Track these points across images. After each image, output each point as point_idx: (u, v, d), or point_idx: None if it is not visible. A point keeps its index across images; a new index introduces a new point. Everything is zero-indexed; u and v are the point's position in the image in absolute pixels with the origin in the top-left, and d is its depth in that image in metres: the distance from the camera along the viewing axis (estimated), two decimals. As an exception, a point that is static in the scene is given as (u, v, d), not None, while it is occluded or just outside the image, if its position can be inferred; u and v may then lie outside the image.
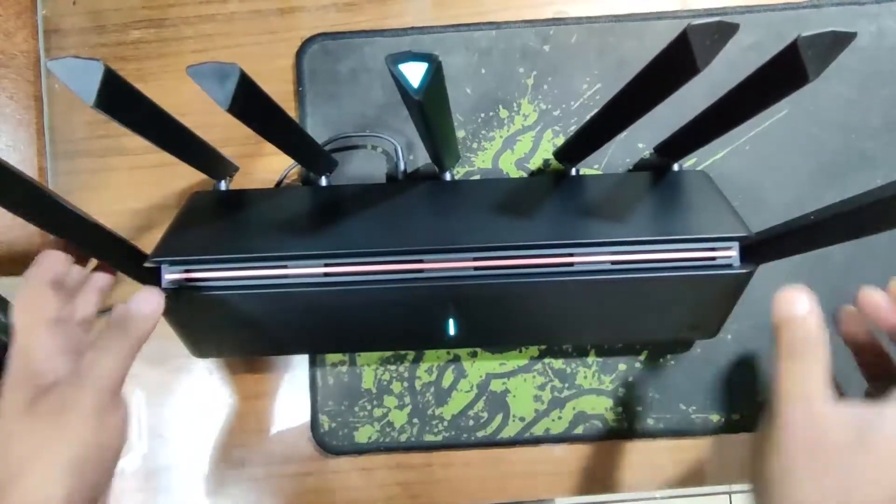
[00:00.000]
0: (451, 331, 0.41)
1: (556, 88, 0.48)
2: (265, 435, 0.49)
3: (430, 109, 0.30)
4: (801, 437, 0.29)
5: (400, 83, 0.27)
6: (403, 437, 0.47)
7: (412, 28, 0.49)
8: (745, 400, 0.47)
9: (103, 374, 0.31)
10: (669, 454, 0.48)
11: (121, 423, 0.32)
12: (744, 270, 0.37)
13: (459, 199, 0.43)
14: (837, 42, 0.27)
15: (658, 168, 0.44)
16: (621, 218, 0.39)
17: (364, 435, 0.47)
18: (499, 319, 0.41)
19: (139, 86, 0.49)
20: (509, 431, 0.47)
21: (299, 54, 0.49)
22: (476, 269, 0.38)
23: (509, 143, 0.48)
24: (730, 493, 1.22)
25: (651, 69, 0.30)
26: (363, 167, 0.48)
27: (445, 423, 0.47)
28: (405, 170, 0.47)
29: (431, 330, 0.41)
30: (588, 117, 0.38)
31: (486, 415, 0.47)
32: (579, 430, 0.47)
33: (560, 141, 0.48)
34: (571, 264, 0.37)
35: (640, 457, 0.48)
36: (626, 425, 0.47)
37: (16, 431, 0.30)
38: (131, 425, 0.36)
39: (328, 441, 0.47)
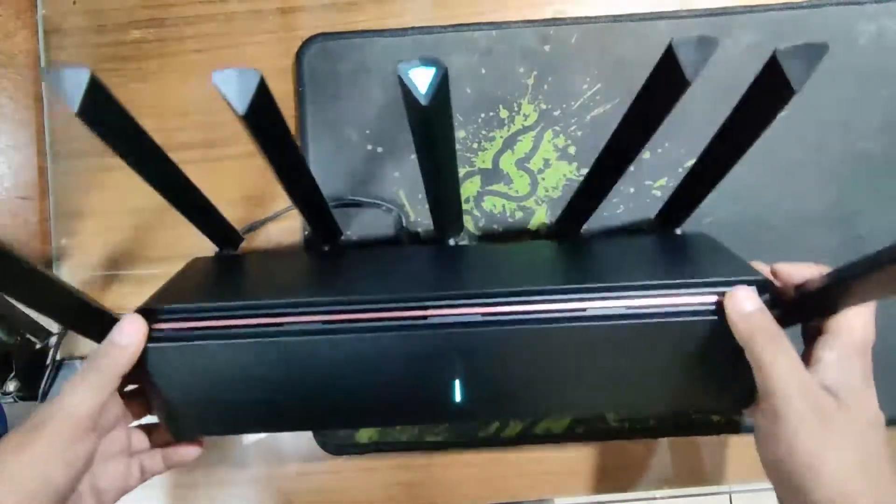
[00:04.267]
0: (458, 397, 0.36)
1: (556, 88, 0.48)
2: (265, 435, 0.49)
3: (433, 121, 0.29)
4: (810, 424, 0.31)
5: (407, 90, 0.27)
6: (404, 437, 0.47)
7: (412, 28, 0.49)
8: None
9: (74, 402, 0.32)
10: (669, 454, 0.48)
11: (84, 456, 0.32)
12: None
13: (464, 257, 0.42)
14: (813, 52, 0.28)
15: (660, 231, 0.45)
16: (632, 269, 0.38)
17: (365, 435, 0.47)
18: (509, 380, 0.36)
19: (139, 86, 0.50)
20: (510, 432, 0.47)
21: (299, 54, 0.49)
22: (483, 315, 0.35)
23: (510, 143, 0.48)
24: (730, 493, 1.22)
25: (645, 89, 0.30)
26: (367, 227, 0.48)
27: (446, 423, 0.47)
28: (408, 230, 0.48)
29: (436, 396, 0.36)
30: (589, 170, 0.38)
31: (486, 415, 0.47)
32: (580, 431, 0.47)
33: (561, 141, 0.48)
34: (584, 310, 0.34)
35: (640, 457, 0.48)
36: (626, 425, 0.47)
37: None
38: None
39: (329, 441, 0.47)
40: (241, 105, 0.28)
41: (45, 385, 0.47)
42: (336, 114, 0.48)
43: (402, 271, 0.40)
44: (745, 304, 0.33)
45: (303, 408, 0.37)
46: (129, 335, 0.33)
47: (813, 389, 0.31)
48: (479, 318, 0.35)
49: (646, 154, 0.47)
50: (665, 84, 0.29)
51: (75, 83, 0.28)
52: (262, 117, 0.30)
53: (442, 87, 0.27)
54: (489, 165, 0.48)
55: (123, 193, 0.49)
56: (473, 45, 0.48)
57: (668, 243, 0.43)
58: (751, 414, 0.35)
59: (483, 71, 0.48)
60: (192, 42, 0.50)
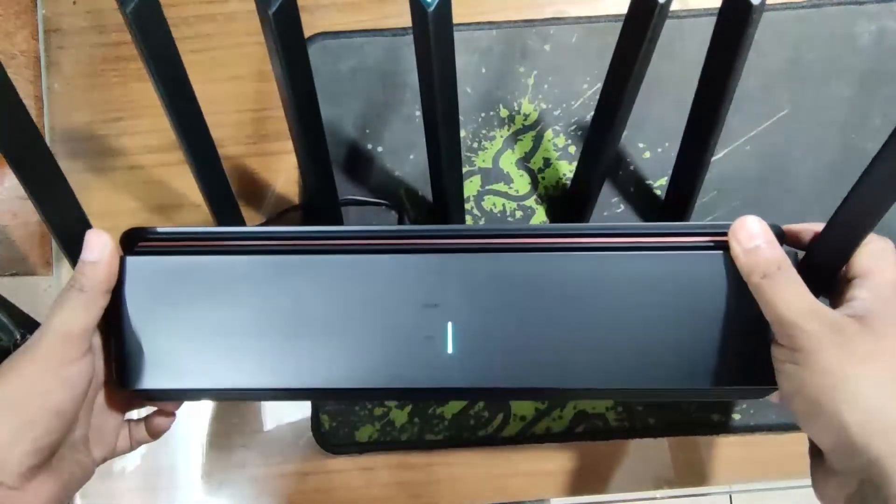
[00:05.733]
0: (450, 346, 0.32)
1: (557, 88, 0.48)
2: (265, 434, 0.49)
3: (439, 36, 0.30)
4: (830, 343, 0.29)
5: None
6: (404, 437, 0.47)
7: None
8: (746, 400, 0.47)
9: (56, 321, 0.31)
10: (670, 454, 0.48)
11: (78, 376, 0.31)
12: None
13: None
14: None
15: None
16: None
17: (364, 434, 0.47)
18: (505, 325, 0.32)
19: (139, 86, 0.50)
20: (510, 431, 0.47)
21: (299, 54, 0.49)
22: (482, 243, 0.32)
23: (510, 143, 0.48)
24: (730, 493, 1.22)
25: (626, 23, 0.31)
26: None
27: (446, 423, 0.47)
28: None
29: (428, 339, 0.32)
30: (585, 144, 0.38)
31: (486, 414, 0.47)
32: (580, 430, 0.47)
33: (561, 141, 0.48)
34: (588, 243, 0.32)
35: (641, 457, 0.48)
36: (626, 425, 0.47)
37: None
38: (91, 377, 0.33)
39: (329, 440, 0.47)
40: (273, 3, 0.28)
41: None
42: (336, 113, 0.48)
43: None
44: (749, 239, 0.31)
45: (282, 356, 0.33)
46: (95, 249, 0.32)
47: (830, 313, 0.29)
48: (475, 245, 0.32)
49: (646, 154, 0.47)
50: (640, 13, 0.29)
51: None
52: (288, 22, 0.30)
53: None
54: (489, 165, 0.48)
55: (123, 193, 0.49)
56: (474, 44, 0.48)
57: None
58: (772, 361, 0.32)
59: (483, 70, 0.48)
60: (192, 42, 0.50)
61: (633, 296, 0.32)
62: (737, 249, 0.31)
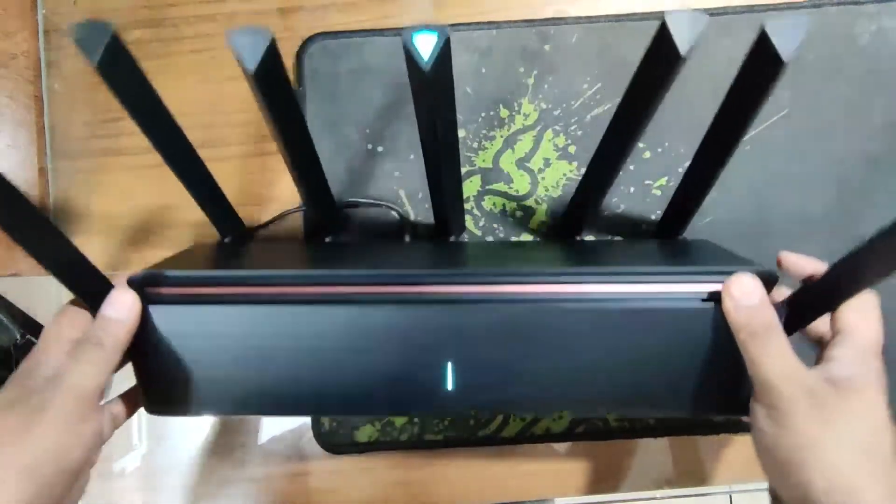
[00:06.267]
0: (450, 384, 0.35)
1: (557, 88, 0.48)
2: (265, 434, 0.49)
3: (436, 88, 0.29)
4: (806, 408, 0.30)
5: (411, 56, 0.27)
6: (404, 437, 0.47)
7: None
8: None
9: (75, 381, 0.31)
10: (669, 454, 0.48)
11: (92, 434, 0.32)
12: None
13: (465, 249, 0.42)
14: (800, 23, 0.28)
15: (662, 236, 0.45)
16: (632, 259, 0.37)
17: (364, 434, 0.47)
18: (501, 365, 0.35)
19: (139, 85, 0.50)
20: (510, 431, 0.47)
21: (299, 54, 0.49)
22: (480, 293, 0.34)
23: (510, 143, 0.48)
24: (730, 493, 1.22)
25: (641, 68, 0.30)
26: (367, 226, 0.48)
27: (446, 423, 0.47)
28: (411, 223, 0.48)
29: (428, 376, 0.35)
30: (590, 162, 0.38)
31: (486, 414, 0.47)
32: (580, 430, 0.47)
33: (561, 140, 0.48)
34: (582, 292, 0.34)
35: (640, 457, 0.48)
36: (626, 425, 0.47)
37: None
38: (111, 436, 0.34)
39: (329, 440, 0.47)
40: (252, 62, 0.28)
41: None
42: (336, 113, 0.48)
43: (401, 255, 0.40)
44: (742, 297, 0.31)
45: (290, 386, 0.36)
46: (120, 309, 0.32)
47: (810, 377, 0.30)
48: (475, 296, 0.34)
49: (646, 153, 0.47)
50: (659, 60, 0.29)
51: (97, 36, 0.29)
52: (270, 77, 0.30)
53: (444, 52, 0.27)
54: (489, 165, 0.48)
55: (123, 193, 0.49)
56: (474, 44, 0.48)
57: (669, 245, 0.43)
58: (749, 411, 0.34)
59: (483, 70, 0.48)
60: (192, 42, 0.50)
61: (623, 340, 0.34)
62: (728, 304, 0.32)
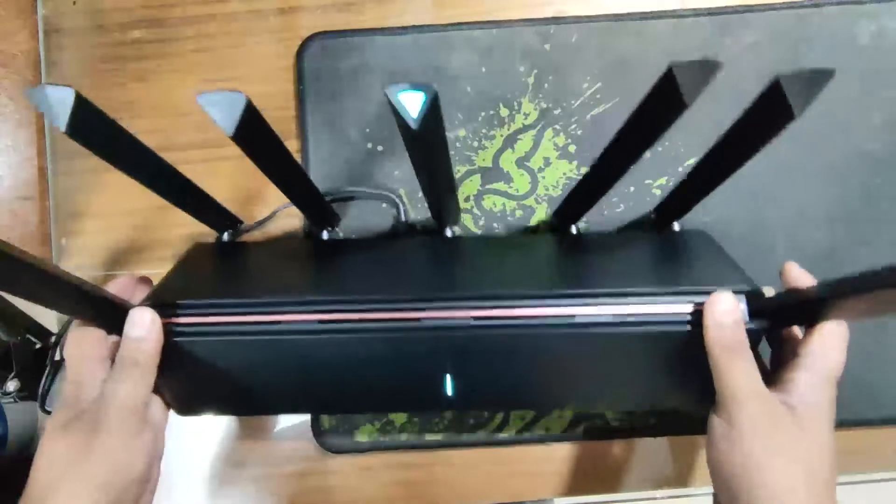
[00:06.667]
0: (449, 391, 0.38)
1: (557, 87, 0.48)
2: (266, 434, 0.49)
3: (425, 142, 0.30)
4: (761, 428, 0.32)
5: (398, 113, 0.27)
6: (404, 436, 0.47)
7: (412, 27, 0.49)
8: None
9: (120, 397, 0.33)
10: (669, 454, 0.48)
11: (146, 445, 0.34)
12: (752, 327, 0.34)
13: (459, 253, 0.43)
14: (816, 79, 0.28)
15: (658, 227, 0.45)
16: (623, 272, 0.38)
17: (364, 433, 0.47)
18: (498, 379, 0.38)
19: (139, 85, 0.50)
20: (510, 430, 0.47)
21: (299, 53, 0.49)
22: (475, 319, 0.36)
23: (510, 142, 0.48)
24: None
25: (642, 109, 0.30)
26: (365, 217, 0.48)
27: (446, 422, 0.47)
28: (406, 222, 0.48)
29: (428, 389, 0.38)
30: (584, 174, 0.38)
31: (486, 413, 0.47)
32: (580, 430, 0.47)
33: (561, 140, 0.48)
34: (573, 316, 0.35)
35: (641, 456, 0.48)
36: (626, 425, 0.47)
37: (51, 450, 0.33)
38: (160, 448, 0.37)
39: (328, 440, 0.47)
40: (230, 127, 0.29)
41: (45, 385, 0.47)
42: (336, 113, 0.48)
43: (397, 268, 0.41)
44: (720, 315, 0.33)
45: (300, 395, 0.40)
46: (143, 327, 0.34)
47: (769, 399, 0.32)
48: (470, 322, 0.36)
49: (646, 153, 0.47)
50: (662, 105, 0.29)
51: (61, 102, 0.29)
52: (251, 134, 0.31)
53: (432, 110, 0.27)
54: (489, 164, 0.48)
55: (123, 193, 0.49)
56: (474, 43, 0.48)
57: (662, 242, 0.43)
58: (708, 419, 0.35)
59: (483, 70, 0.48)
60: (192, 42, 0.50)
61: (608, 358, 0.37)
62: (707, 321, 0.33)
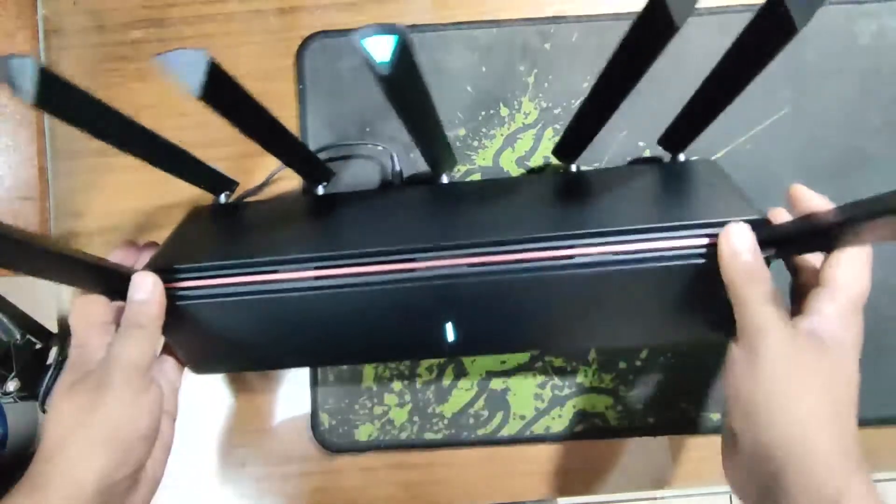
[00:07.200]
0: (450, 337, 0.38)
1: (557, 86, 0.48)
2: (265, 433, 0.49)
3: (401, 87, 0.29)
4: (786, 357, 0.31)
5: (367, 60, 0.26)
6: (404, 435, 0.47)
7: (413, 26, 0.49)
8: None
9: (125, 357, 0.34)
10: (669, 454, 0.48)
11: (151, 403, 0.35)
12: (768, 255, 0.33)
13: (455, 199, 0.42)
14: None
15: (662, 161, 0.44)
16: (624, 209, 0.37)
17: (364, 433, 0.47)
18: (498, 323, 0.38)
19: (139, 85, 0.50)
20: (510, 430, 0.47)
21: (300, 52, 0.49)
22: (470, 266, 0.35)
23: (510, 142, 0.48)
24: (730, 493, 1.22)
25: (632, 32, 0.30)
26: (361, 174, 0.48)
27: (446, 421, 0.47)
28: (401, 175, 0.47)
29: (429, 336, 0.38)
30: (580, 102, 0.37)
31: (486, 413, 0.47)
32: (579, 429, 0.47)
33: (560, 140, 0.48)
34: (571, 257, 0.35)
35: (641, 456, 0.48)
36: (626, 424, 0.47)
37: (58, 411, 0.33)
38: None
39: (328, 439, 0.47)
40: (196, 87, 0.28)
41: (46, 385, 0.47)
42: (336, 112, 0.48)
43: (391, 219, 0.40)
44: (737, 245, 0.32)
45: (305, 350, 0.41)
46: (145, 290, 0.35)
47: (794, 327, 0.31)
48: (466, 269, 0.35)
49: (646, 153, 0.47)
50: (652, 29, 0.28)
51: (24, 73, 0.28)
52: (221, 92, 0.30)
53: (403, 54, 0.26)
54: (489, 163, 0.48)
55: (123, 193, 0.49)
56: (474, 43, 0.48)
57: (667, 174, 0.42)
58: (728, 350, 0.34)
59: (483, 69, 0.48)
60: (192, 42, 0.50)
61: (620, 296, 0.36)
62: (724, 252, 0.32)
